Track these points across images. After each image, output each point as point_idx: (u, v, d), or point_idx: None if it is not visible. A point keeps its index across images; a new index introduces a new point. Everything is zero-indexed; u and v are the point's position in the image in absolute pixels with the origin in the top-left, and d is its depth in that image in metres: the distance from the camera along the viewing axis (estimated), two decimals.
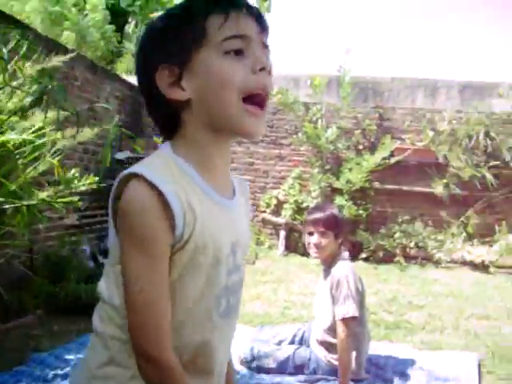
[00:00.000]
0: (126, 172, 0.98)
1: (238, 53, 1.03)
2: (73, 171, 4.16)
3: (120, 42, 12.29)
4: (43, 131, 3.32)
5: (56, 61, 3.45)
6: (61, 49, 5.47)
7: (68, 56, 3.81)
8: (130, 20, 13.31)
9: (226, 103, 1.02)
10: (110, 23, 11.44)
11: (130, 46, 13.22)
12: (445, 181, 7.69)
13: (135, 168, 0.99)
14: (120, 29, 12.34)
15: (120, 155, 6.72)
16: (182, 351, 1.04)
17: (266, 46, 1.09)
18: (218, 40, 1.03)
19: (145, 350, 0.97)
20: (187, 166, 1.05)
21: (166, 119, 1.10)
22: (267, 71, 1.05)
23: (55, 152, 3.33)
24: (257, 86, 1.03)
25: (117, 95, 6.87)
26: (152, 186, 0.95)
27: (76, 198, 3.71)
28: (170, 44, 1.06)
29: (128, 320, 0.99)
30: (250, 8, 1.07)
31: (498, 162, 7.62)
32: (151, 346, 0.97)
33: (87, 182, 4.30)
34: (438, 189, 7.69)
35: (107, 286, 1.06)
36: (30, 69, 3.21)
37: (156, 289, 0.98)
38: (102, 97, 6.41)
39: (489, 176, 7.51)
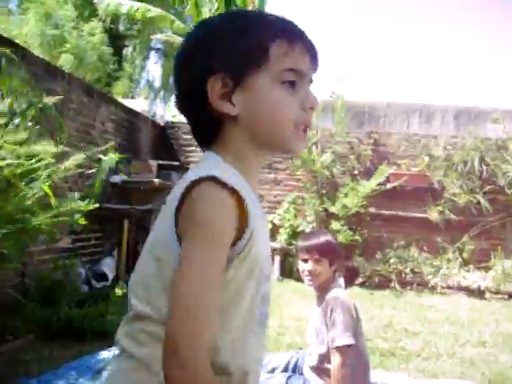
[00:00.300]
0: (196, 176, 0.97)
1: (292, 84, 1.08)
2: (76, 195, 4.16)
3: (118, 65, 12.37)
4: (40, 158, 3.30)
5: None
6: (57, 72, 5.50)
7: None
8: (127, 44, 13.42)
9: (281, 128, 1.08)
10: (108, 46, 11.53)
11: (128, 69, 13.33)
12: (440, 206, 7.70)
13: (203, 172, 0.97)
14: (118, 52, 12.43)
15: (115, 178, 6.71)
16: (241, 367, 1.05)
17: (312, 82, 1.14)
18: (278, 69, 1.06)
19: (184, 342, 0.91)
20: (239, 174, 1.07)
21: (207, 128, 1.11)
22: (314, 110, 1.12)
23: (48, 176, 3.31)
24: (306, 123, 1.11)
25: (113, 118, 6.87)
26: (228, 188, 0.96)
27: (78, 216, 3.71)
28: (231, 55, 1.06)
29: (174, 312, 0.93)
30: (311, 44, 1.12)
31: (493, 187, 7.64)
32: (191, 339, 0.91)
33: (84, 205, 4.29)
34: (434, 214, 7.69)
35: (150, 301, 1.02)
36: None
37: (219, 286, 0.96)
38: (98, 120, 6.42)
39: (483, 201, 7.52)
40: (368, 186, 7.66)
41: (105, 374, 1.03)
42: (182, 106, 1.15)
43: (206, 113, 1.08)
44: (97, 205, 3.99)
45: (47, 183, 3.25)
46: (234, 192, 0.96)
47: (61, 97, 3.98)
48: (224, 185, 0.96)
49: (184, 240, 0.97)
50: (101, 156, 5.48)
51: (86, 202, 3.74)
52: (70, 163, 3.43)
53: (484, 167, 7.68)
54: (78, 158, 3.59)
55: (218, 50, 1.06)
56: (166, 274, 1.02)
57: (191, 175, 0.98)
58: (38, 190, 3.23)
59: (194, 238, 0.96)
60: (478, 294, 7.06)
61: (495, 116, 8.18)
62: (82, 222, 3.77)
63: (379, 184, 7.69)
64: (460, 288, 7.24)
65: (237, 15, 1.16)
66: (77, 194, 4.17)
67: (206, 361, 0.92)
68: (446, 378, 3.67)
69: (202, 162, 1.10)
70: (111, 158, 5.29)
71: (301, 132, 1.10)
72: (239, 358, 1.06)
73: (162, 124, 8.96)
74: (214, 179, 0.96)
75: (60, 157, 3.63)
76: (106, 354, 3.71)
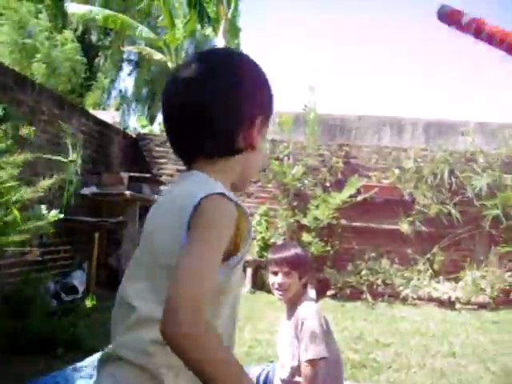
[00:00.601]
0: (205, 193, 1.12)
1: None
2: (43, 207, 4.11)
3: (90, 75, 12.26)
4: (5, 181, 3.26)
5: None
6: (27, 83, 5.44)
7: None
8: (100, 54, 13.35)
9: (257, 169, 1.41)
10: (81, 56, 11.44)
11: (101, 80, 13.25)
12: (411, 218, 7.78)
13: (211, 189, 1.14)
14: (90, 63, 12.34)
15: (85, 190, 6.64)
16: None
17: None
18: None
19: (194, 297, 0.99)
20: None
21: (225, 153, 1.27)
22: None
23: (16, 201, 3.26)
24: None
25: (83, 130, 6.81)
26: (235, 204, 1.15)
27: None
28: (266, 104, 1.34)
29: (179, 278, 1.02)
30: None
31: (462, 199, 7.75)
32: (198, 301, 1.00)
33: (52, 216, 4.24)
34: (404, 226, 7.77)
35: (161, 304, 1.03)
36: None
37: (215, 276, 1.07)
38: (68, 131, 6.35)
39: (454, 212, 7.62)
40: (339, 197, 7.71)
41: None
42: (197, 138, 1.26)
43: (227, 142, 1.26)
44: (62, 215, 3.95)
45: (15, 206, 3.21)
46: (237, 205, 1.16)
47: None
48: (231, 200, 1.14)
49: (192, 232, 1.10)
50: (64, 160, 5.40)
51: (54, 213, 3.70)
52: (39, 187, 3.39)
53: (453, 179, 7.78)
54: (47, 182, 3.55)
55: (255, 100, 1.29)
56: None
57: (198, 192, 1.12)
58: (5, 213, 3.19)
59: (204, 232, 1.09)
60: (449, 304, 7.14)
61: (464, 129, 8.31)
62: (50, 230, 3.72)
63: (350, 196, 7.75)
64: (431, 299, 7.30)
65: (259, 68, 1.34)
66: (43, 207, 4.13)
67: (206, 323, 0.99)
68: None
69: (196, 180, 1.23)
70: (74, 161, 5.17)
71: None
72: (226, 342, 1.17)
73: (133, 136, 8.91)
74: (223, 195, 1.14)
75: (29, 168, 3.59)
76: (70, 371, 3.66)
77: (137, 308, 1.14)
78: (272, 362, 3.78)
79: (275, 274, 2.86)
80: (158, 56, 12.89)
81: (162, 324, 0.98)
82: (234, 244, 1.15)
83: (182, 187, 1.25)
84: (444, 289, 7.36)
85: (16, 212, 3.21)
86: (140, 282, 1.19)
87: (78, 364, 3.72)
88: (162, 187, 8.34)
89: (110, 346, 1.20)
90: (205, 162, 1.26)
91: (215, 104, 1.23)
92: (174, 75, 1.34)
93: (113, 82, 14.49)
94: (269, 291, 7.45)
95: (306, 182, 7.99)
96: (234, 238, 1.14)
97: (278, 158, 8.02)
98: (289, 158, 8.08)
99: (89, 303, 5.57)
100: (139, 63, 15.14)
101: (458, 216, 7.61)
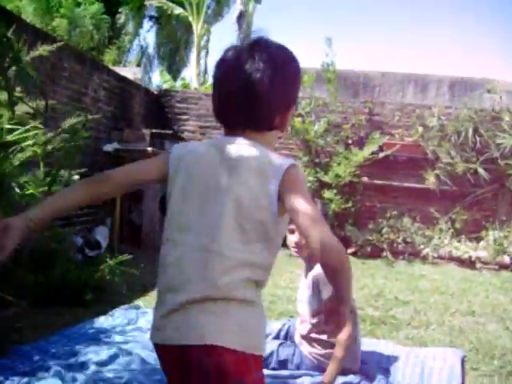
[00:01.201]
0: (291, 162, 1.48)
1: None
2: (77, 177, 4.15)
3: (111, 34, 12.22)
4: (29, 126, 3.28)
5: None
6: (49, 38, 5.42)
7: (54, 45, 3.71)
8: (120, 10, 13.23)
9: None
10: (103, 14, 11.38)
11: (122, 37, 13.15)
12: (434, 176, 7.71)
13: (288, 160, 1.50)
14: (111, 19, 12.25)
15: (108, 147, 6.68)
16: None
17: None
18: None
19: (332, 238, 1.33)
20: None
21: (265, 126, 1.56)
22: None
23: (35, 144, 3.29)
24: None
25: (105, 86, 6.81)
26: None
27: None
28: (296, 95, 1.64)
29: (315, 224, 1.36)
30: None
31: (486, 158, 7.65)
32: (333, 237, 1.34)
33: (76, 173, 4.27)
34: (427, 184, 7.71)
35: (254, 251, 1.43)
36: None
37: None
38: (90, 88, 6.36)
39: (480, 170, 7.53)
40: (361, 154, 7.65)
41: (229, 322, 1.30)
42: (262, 117, 1.54)
43: (271, 120, 1.55)
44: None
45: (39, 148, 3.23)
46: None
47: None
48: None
49: (294, 193, 1.42)
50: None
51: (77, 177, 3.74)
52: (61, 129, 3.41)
53: (478, 138, 7.67)
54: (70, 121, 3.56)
55: (294, 91, 1.62)
56: (264, 229, 1.44)
57: (280, 160, 1.48)
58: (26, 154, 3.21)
59: (304, 190, 1.46)
60: (469, 264, 7.13)
61: (491, 87, 8.15)
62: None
63: (372, 153, 7.69)
64: (451, 258, 7.30)
65: (298, 64, 1.62)
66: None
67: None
68: (434, 347, 3.72)
69: (263, 149, 1.51)
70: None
71: None
72: None
73: (155, 92, 8.89)
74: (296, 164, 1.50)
75: (52, 122, 3.61)
76: (101, 321, 3.75)
77: (230, 256, 1.39)
78: (292, 317, 3.83)
79: (292, 231, 2.86)
80: (178, 10, 12.75)
81: (325, 255, 1.32)
82: None
83: (253, 154, 1.49)
84: (465, 248, 7.34)
85: (38, 150, 3.23)
86: (227, 232, 1.41)
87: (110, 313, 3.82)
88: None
89: (196, 289, 1.39)
90: (255, 133, 1.53)
91: (271, 87, 1.49)
92: (235, 54, 1.55)
93: (134, 38, 14.36)
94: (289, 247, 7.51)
95: (328, 139, 7.93)
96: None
97: (300, 115, 7.96)
98: (311, 115, 8.01)
99: (115, 260, 5.66)
100: (160, 19, 14.96)
101: (484, 175, 7.52)
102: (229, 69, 1.54)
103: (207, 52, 13.96)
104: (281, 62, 1.55)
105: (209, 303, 1.38)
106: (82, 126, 4.53)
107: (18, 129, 3.26)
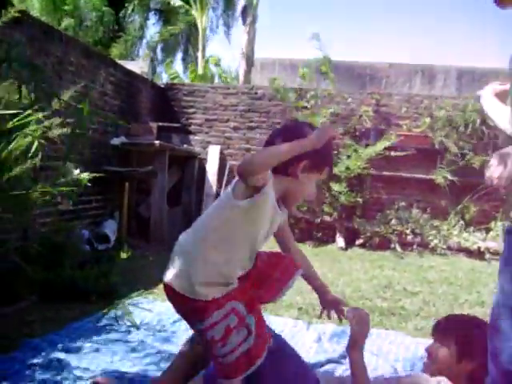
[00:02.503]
0: None
1: None
2: (77, 171, 4.16)
3: (117, 26, 12.23)
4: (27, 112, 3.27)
5: None
6: (55, 34, 5.43)
7: None
8: (126, 5, 13.23)
9: None
10: (107, 7, 11.39)
11: (128, 30, 13.16)
12: (442, 168, 7.68)
13: None
14: (116, 13, 12.27)
15: (115, 141, 6.70)
16: None
17: None
18: None
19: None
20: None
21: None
22: None
23: (37, 132, 3.29)
24: None
25: (112, 80, 6.82)
26: None
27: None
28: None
29: None
30: None
31: (495, 149, 7.60)
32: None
33: (83, 178, 4.29)
34: (436, 175, 7.68)
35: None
36: None
37: None
38: (97, 82, 6.37)
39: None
40: (372, 149, 7.62)
41: None
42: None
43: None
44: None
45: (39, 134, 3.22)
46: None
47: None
48: None
49: None
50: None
51: (85, 174, 3.74)
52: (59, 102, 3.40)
53: (486, 129, 7.63)
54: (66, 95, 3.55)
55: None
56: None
57: None
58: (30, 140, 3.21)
59: None
60: (478, 255, 7.11)
61: (499, 77, 8.09)
62: (86, 183, 3.77)
63: (385, 148, 7.64)
64: (460, 249, 7.28)
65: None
66: (76, 171, 4.18)
67: None
68: None
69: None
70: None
71: None
72: None
73: (162, 85, 8.89)
74: None
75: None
76: (109, 314, 3.76)
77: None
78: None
79: None
80: (181, 3, 12.76)
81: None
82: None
83: None
84: (474, 239, 7.32)
85: (37, 135, 3.23)
86: None
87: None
88: (191, 136, 8.36)
89: None
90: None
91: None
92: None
93: (140, 32, 14.37)
94: (297, 240, 7.53)
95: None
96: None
97: (305, 108, 7.94)
98: (316, 107, 7.98)
99: (123, 254, 5.68)
100: (165, 14, 14.96)
101: None
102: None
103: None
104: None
105: None
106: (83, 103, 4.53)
107: (20, 113, 3.26)
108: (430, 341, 3.54)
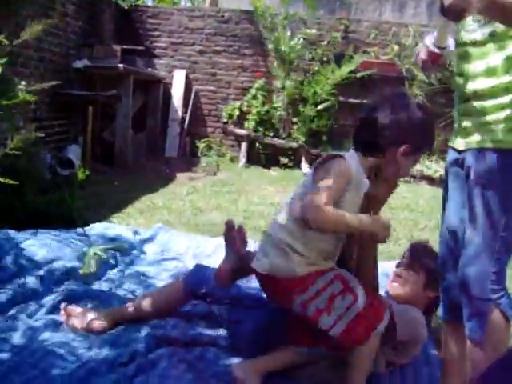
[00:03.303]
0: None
1: None
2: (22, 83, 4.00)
3: None
4: None
5: None
6: None
7: None
8: None
9: None
10: None
11: None
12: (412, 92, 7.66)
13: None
14: None
15: (78, 63, 6.51)
16: None
17: None
18: None
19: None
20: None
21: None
22: None
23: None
24: None
25: (73, 1, 6.56)
26: None
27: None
28: None
29: None
30: None
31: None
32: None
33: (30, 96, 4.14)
34: None
35: None
36: None
37: None
38: (57, 1, 6.12)
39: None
40: (338, 73, 7.58)
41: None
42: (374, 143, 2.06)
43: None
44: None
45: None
46: None
47: None
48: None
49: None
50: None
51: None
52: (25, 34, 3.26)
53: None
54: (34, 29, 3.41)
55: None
56: None
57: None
58: None
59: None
60: (440, 183, 7.23)
61: None
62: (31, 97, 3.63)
63: (350, 72, 7.60)
64: (422, 177, 7.40)
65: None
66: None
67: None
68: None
69: None
70: None
71: None
72: None
73: (126, 7, 8.59)
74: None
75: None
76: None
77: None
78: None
79: None
80: None
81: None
82: None
83: None
84: (436, 167, 7.43)
85: None
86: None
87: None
88: (156, 60, 8.17)
89: None
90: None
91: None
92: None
93: None
94: (263, 165, 7.59)
95: (304, 57, 7.83)
96: None
97: (274, 30, 7.80)
98: (287, 31, 7.83)
99: (82, 175, 5.62)
100: None
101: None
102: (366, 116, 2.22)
103: None
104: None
105: None
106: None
107: None
108: (389, 263, 3.65)
